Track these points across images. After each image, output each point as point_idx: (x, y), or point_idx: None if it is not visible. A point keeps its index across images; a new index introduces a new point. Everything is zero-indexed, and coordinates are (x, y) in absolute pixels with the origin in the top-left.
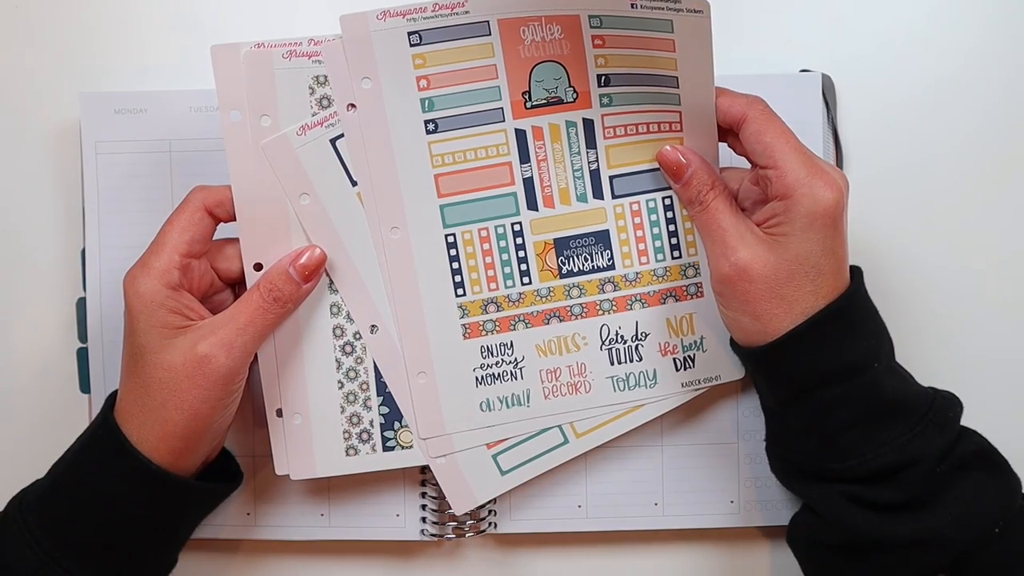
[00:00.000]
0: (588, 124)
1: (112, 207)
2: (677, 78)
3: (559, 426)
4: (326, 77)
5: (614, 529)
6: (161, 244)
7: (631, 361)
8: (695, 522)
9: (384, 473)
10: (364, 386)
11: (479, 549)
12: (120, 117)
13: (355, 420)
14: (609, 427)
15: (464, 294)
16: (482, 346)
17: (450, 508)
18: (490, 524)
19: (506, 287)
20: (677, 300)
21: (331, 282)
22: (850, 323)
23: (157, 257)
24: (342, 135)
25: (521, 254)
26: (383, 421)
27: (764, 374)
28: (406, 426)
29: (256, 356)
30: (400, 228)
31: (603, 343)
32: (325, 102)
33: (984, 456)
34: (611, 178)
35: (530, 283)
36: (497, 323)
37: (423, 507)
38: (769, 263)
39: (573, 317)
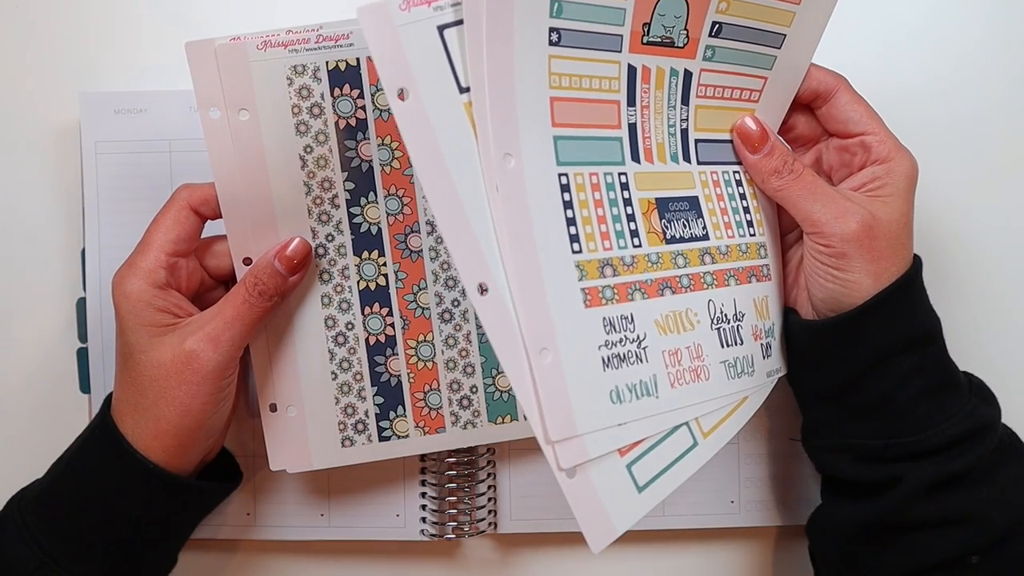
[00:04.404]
0: (687, 77)
1: (112, 207)
2: (785, 36)
3: (687, 424)
4: (304, 67)
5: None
6: (147, 244)
7: (736, 344)
8: (695, 522)
9: (384, 473)
10: (358, 376)
11: (479, 549)
12: (120, 117)
13: (350, 411)
14: (727, 425)
15: (580, 251)
16: (604, 317)
17: (450, 509)
18: (490, 524)
19: (619, 247)
20: (758, 280)
21: (321, 272)
22: (922, 290)
23: (143, 257)
24: (453, 23)
25: (629, 211)
26: (378, 411)
27: (845, 342)
28: (401, 415)
29: (249, 352)
30: (514, 156)
31: (712, 321)
32: (304, 92)
33: (1020, 444)
34: (696, 142)
35: (640, 246)
36: (616, 290)
37: (423, 507)
38: (887, 219)
39: (683, 289)
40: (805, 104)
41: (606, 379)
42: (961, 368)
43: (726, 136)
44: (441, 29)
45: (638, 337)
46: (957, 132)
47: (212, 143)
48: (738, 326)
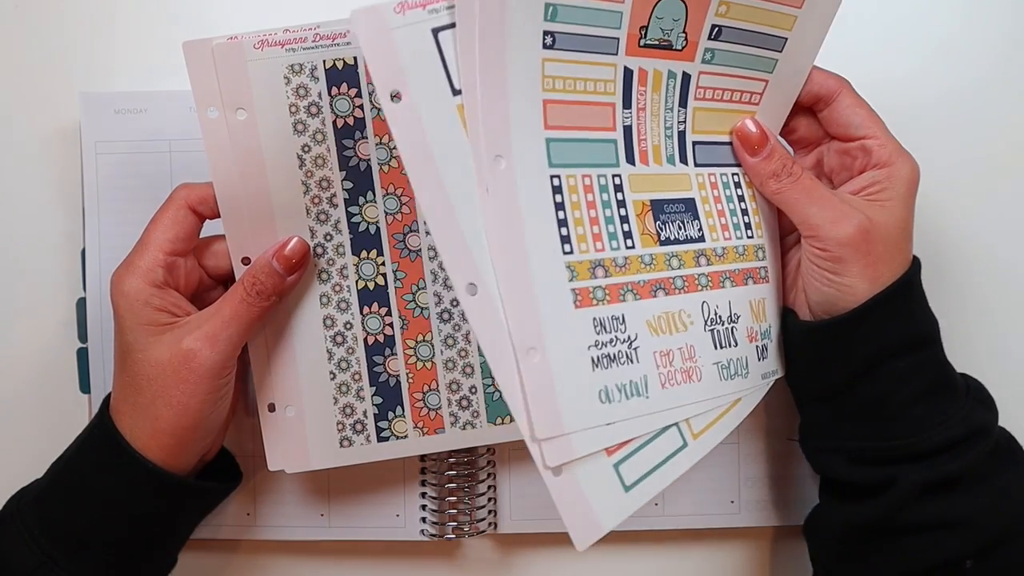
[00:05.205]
0: (685, 79)
1: (112, 207)
2: (786, 40)
3: (677, 425)
4: (301, 66)
5: (614, 529)
6: (145, 243)
7: (730, 346)
8: (695, 522)
9: (384, 473)
10: (356, 376)
11: (479, 549)
12: (120, 117)
13: (348, 411)
14: (718, 426)
15: (571, 252)
16: (594, 318)
17: (450, 509)
18: (490, 524)
19: (612, 248)
20: (754, 283)
21: (320, 271)
22: (921, 292)
23: (141, 256)
24: (448, 26)
25: (623, 212)
26: (376, 411)
27: (842, 344)
28: (400, 416)
29: (248, 351)
30: (505, 158)
31: (705, 323)
32: (302, 91)
33: (1017, 447)
34: (694, 144)
35: (634, 247)
36: (607, 291)
37: (423, 507)
38: (886, 224)
39: (677, 291)
40: (807, 107)
41: (595, 379)
42: (960, 371)
43: (725, 138)
44: (436, 32)
45: (629, 338)
46: (960, 133)
47: (210, 142)
48: (732, 328)
